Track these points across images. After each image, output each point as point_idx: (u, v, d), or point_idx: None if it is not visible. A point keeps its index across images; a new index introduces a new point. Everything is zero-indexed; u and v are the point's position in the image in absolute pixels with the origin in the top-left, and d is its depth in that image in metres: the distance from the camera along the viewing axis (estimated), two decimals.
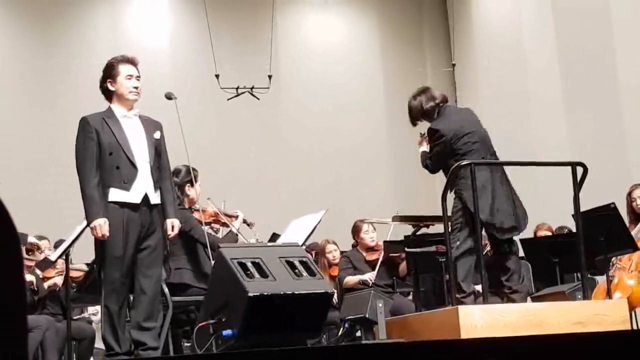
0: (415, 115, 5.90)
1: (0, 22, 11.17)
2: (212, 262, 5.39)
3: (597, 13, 9.77)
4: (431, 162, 5.83)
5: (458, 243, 5.43)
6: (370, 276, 7.46)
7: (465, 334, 4.66)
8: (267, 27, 11.43)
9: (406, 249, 6.80)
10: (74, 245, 6.12)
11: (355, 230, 7.80)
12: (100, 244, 4.91)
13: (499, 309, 5.01)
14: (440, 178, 5.95)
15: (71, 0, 11.35)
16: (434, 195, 8.31)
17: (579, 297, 5.80)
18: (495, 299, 5.87)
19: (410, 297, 7.67)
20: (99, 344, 6.98)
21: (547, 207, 8.82)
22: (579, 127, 9.97)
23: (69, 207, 7.57)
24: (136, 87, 5.08)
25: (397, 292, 7.57)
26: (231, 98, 10.86)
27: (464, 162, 5.37)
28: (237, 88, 10.89)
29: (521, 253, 7.33)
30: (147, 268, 4.95)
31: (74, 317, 7.62)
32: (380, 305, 5.49)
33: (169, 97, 5.69)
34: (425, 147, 5.98)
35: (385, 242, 7.58)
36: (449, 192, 5.46)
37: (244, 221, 6.61)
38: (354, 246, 7.90)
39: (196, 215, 5.98)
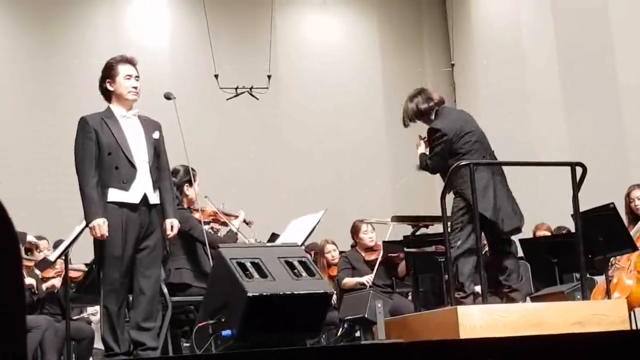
0: (411, 116, 5.88)
1: (0, 22, 11.18)
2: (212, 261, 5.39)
3: (596, 13, 9.77)
4: (431, 162, 5.81)
5: (459, 242, 5.43)
6: (368, 279, 7.45)
7: (464, 334, 4.67)
8: (266, 27, 11.43)
9: (405, 249, 6.81)
10: (73, 246, 6.12)
11: (354, 231, 7.80)
12: (99, 244, 4.91)
13: (498, 309, 5.02)
14: (440, 178, 5.94)
15: (71, 0, 11.36)
16: (433, 196, 8.31)
17: (578, 297, 5.81)
18: (494, 299, 5.87)
19: (410, 297, 7.67)
20: (98, 344, 6.98)
21: (547, 207, 8.83)
22: (578, 127, 9.97)
23: (68, 207, 7.56)
24: (135, 87, 5.08)
25: (396, 292, 7.57)
26: (230, 98, 10.86)
27: (463, 162, 5.37)
28: (236, 88, 10.89)
29: (520, 253, 7.35)
30: (146, 268, 4.95)
31: (73, 317, 7.62)
32: (379, 305, 5.49)
33: (168, 97, 5.69)
34: (423, 149, 5.97)
35: (384, 242, 7.57)
36: (448, 192, 5.46)
37: (244, 220, 6.61)
38: (353, 246, 7.90)
39: (195, 215, 5.98)
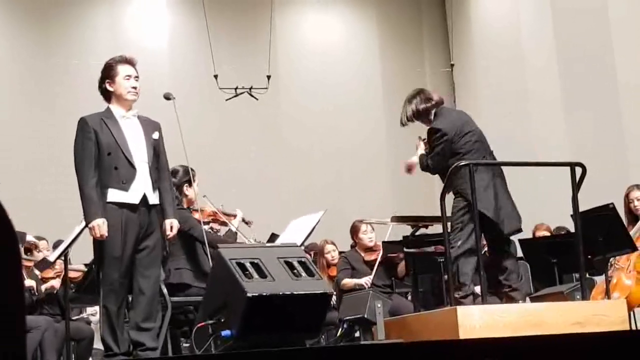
0: (410, 116, 5.88)
1: None
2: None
3: (596, 13, 9.77)
4: (432, 162, 5.80)
5: (460, 242, 5.42)
6: (366, 280, 7.43)
7: (463, 334, 4.66)
8: (266, 27, 11.44)
9: (405, 249, 6.80)
10: (72, 246, 6.12)
11: (354, 231, 7.79)
12: (99, 244, 4.91)
13: (498, 309, 5.01)
14: (439, 178, 5.94)
15: (71, 0, 11.36)
16: (433, 196, 8.32)
17: (578, 297, 5.81)
18: (493, 299, 5.87)
19: (409, 297, 7.67)
20: (97, 345, 6.97)
21: (546, 207, 8.83)
22: (578, 127, 9.97)
23: (68, 207, 7.57)
24: (135, 88, 5.08)
25: (396, 292, 7.57)
26: (230, 98, 10.86)
27: (463, 162, 5.37)
28: (235, 88, 10.89)
29: (520, 253, 7.35)
30: (146, 268, 4.95)
31: (73, 318, 7.61)
32: (379, 305, 5.49)
33: (167, 97, 5.69)
34: (422, 150, 5.96)
35: (384, 242, 7.57)
36: (448, 192, 5.46)
37: (243, 220, 6.61)
38: (352, 246, 7.90)
39: (195, 215, 5.98)
